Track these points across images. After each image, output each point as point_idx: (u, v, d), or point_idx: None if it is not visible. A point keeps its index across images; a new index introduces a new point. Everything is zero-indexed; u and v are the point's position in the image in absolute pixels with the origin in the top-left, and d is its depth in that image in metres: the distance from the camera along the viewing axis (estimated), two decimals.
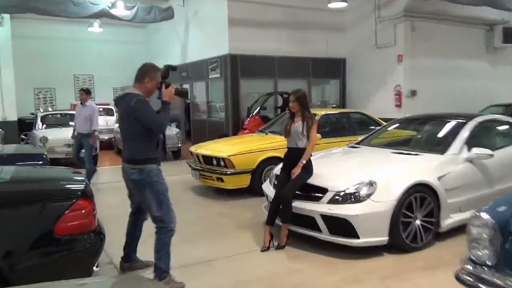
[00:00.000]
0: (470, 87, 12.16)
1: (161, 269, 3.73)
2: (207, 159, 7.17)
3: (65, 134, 9.76)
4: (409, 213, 4.43)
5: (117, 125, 9.23)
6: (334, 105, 13.49)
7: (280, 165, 5.19)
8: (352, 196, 4.37)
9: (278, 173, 5.11)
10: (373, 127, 7.69)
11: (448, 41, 12.02)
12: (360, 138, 6.49)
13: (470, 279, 2.72)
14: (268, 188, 5.41)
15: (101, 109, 13.02)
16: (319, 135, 5.76)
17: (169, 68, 3.82)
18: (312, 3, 12.06)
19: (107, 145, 12.72)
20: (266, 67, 12.48)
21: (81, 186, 3.38)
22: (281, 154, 5.92)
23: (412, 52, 11.66)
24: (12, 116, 12.97)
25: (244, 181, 6.96)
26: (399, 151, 5.35)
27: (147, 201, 3.73)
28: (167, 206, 3.75)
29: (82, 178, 3.74)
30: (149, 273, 3.89)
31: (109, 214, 4.95)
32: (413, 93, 11.68)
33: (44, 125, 11.54)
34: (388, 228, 4.33)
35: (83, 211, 3.13)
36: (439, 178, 4.66)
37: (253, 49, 11.99)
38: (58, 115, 12.58)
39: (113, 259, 4.36)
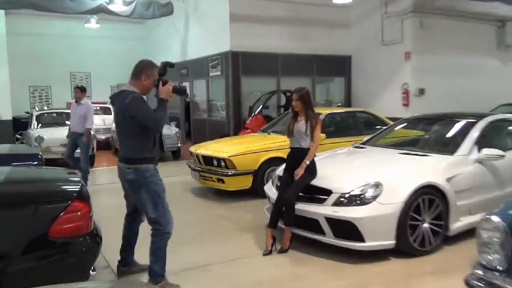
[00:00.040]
0: (480, 86, 11.84)
1: (156, 273, 3.68)
2: (208, 160, 7.06)
3: (61, 133, 9.62)
4: (416, 216, 4.35)
5: (114, 124, 9.11)
6: (339, 104, 13.35)
7: (283, 166, 5.11)
8: (358, 198, 4.31)
9: (281, 174, 5.02)
10: (379, 126, 7.57)
11: (458, 38, 11.77)
12: (366, 138, 6.41)
13: (481, 284, 2.67)
14: (271, 190, 5.33)
15: (98, 108, 12.92)
16: (323, 135, 5.69)
17: (167, 65, 3.74)
18: None
19: (104, 145, 12.61)
20: (269, 65, 12.28)
21: (76, 187, 3.34)
22: (284, 154, 5.84)
23: (420, 49, 11.43)
24: (7, 115, 12.78)
25: (246, 183, 6.85)
26: (406, 151, 5.27)
27: (143, 202, 3.67)
28: (163, 208, 3.68)
29: (78, 179, 3.69)
30: (146, 277, 3.80)
31: (106, 216, 4.89)
32: (421, 91, 11.46)
33: (40, 124, 11.35)
34: (395, 231, 4.26)
35: (78, 213, 3.09)
36: (448, 180, 4.58)
37: (255, 46, 11.79)
38: (54, 114, 12.41)
39: (110, 263, 4.27)
